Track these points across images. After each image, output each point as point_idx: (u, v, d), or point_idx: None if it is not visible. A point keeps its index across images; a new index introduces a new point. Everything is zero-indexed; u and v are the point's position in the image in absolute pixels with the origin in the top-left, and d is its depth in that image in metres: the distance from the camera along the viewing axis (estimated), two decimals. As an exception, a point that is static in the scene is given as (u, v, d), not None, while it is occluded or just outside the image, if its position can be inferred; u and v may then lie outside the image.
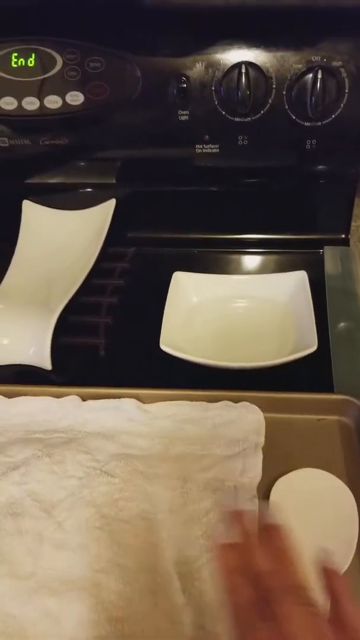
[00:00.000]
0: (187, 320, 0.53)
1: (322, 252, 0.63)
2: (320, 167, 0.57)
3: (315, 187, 0.61)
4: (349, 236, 0.65)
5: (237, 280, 0.56)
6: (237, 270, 0.63)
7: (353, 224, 0.70)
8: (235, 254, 0.65)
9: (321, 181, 0.60)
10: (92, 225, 0.66)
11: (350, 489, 0.40)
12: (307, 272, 0.58)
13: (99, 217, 0.66)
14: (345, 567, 0.36)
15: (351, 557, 0.36)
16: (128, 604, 0.34)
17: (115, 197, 0.65)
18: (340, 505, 0.39)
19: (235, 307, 0.55)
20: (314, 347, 0.46)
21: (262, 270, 0.63)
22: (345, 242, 0.65)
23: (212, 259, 0.65)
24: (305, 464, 0.42)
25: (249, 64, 0.50)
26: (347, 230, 0.65)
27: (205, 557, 0.37)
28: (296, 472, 0.41)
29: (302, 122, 0.53)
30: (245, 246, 0.66)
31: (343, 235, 0.65)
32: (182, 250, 0.66)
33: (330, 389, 0.47)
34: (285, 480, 0.41)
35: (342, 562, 0.36)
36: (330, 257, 0.62)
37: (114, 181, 0.64)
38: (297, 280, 0.53)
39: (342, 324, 0.54)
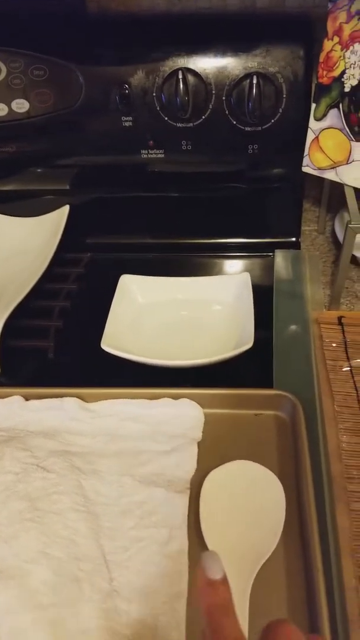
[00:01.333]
0: (133, 322, 0.56)
1: (273, 255, 0.67)
2: (263, 171, 0.61)
3: (263, 192, 0.65)
4: (300, 239, 0.69)
5: (183, 282, 0.59)
6: (189, 274, 0.66)
7: (306, 228, 0.74)
8: (189, 259, 0.68)
9: (268, 186, 0.63)
10: (46, 231, 0.69)
11: (280, 479, 0.43)
12: (258, 275, 0.62)
13: (53, 223, 0.69)
14: (271, 551, 0.39)
15: (276, 541, 0.39)
16: (54, 592, 0.36)
17: (69, 203, 0.69)
18: (269, 494, 0.42)
19: (181, 308, 0.58)
20: (249, 345, 0.49)
21: (214, 274, 0.67)
22: (296, 246, 0.69)
23: (165, 264, 0.68)
24: (242, 456, 0.45)
25: (187, 70, 0.54)
26: (297, 234, 0.69)
27: (135, 547, 0.39)
28: (229, 463, 0.44)
29: (243, 127, 0.57)
30: (198, 250, 0.69)
31: (294, 239, 0.68)
32: (137, 255, 0.70)
33: (271, 386, 0.51)
34: (218, 471, 0.43)
35: (268, 547, 0.39)
36: (281, 260, 0.66)
37: (67, 187, 0.68)
38: (241, 282, 0.56)
39: (286, 325, 0.57)
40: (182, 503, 0.41)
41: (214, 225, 0.69)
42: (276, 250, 0.67)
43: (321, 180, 0.59)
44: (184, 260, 0.69)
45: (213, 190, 0.65)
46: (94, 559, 0.38)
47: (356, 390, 0.49)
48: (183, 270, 0.66)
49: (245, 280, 0.56)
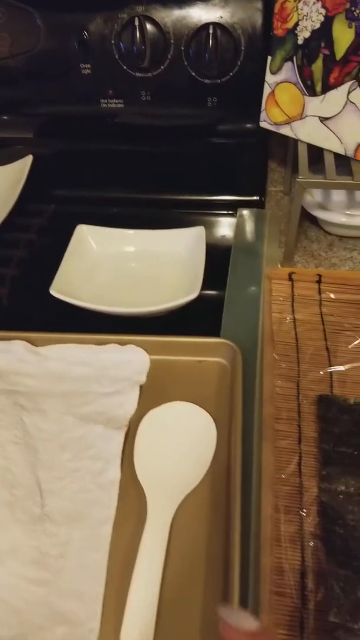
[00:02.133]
0: (86, 271, 0.58)
1: (236, 213, 0.69)
2: (224, 126, 0.63)
3: (227, 148, 0.67)
4: (264, 199, 0.71)
5: (139, 234, 0.61)
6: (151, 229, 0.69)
7: (272, 188, 0.76)
8: (152, 214, 0.70)
9: (231, 142, 0.65)
10: (8, 181, 0.70)
11: (215, 419, 0.46)
12: (219, 232, 0.64)
13: (16, 172, 0.71)
14: (196, 483, 0.42)
15: (204, 473, 0.43)
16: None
17: (33, 154, 0.70)
18: (202, 432, 0.45)
19: (135, 259, 0.60)
20: (194, 295, 0.52)
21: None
22: (260, 205, 0.71)
23: (129, 219, 0.69)
24: (182, 399, 0.48)
25: (145, 18, 0.55)
26: (261, 193, 0.71)
27: (70, 478, 0.42)
28: (167, 404, 0.47)
29: (202, 79, 0.58)
30: (162, 206, 0.71)
31: (257, 198, 0.70)
32: (101, 209, 0.71)
33: (219, 335, 0.54)
34: (156, 411, 0.47)
35: (195, 479, 0.42)
36: (242, 218, 0.68)
37: (30, 136, 0.69)
38: (195, 235, 0.59)
39: (240, 280, 0.60)
40: (118, 438, 0.44)
41: (178, 181, 0.70)
42: (239, 209, 0.70)
43: (287, 139, 0.61)
44: (148, 215, 0.70)
45: (177, 145, 0.67)
46: (28, 487, 0.42)
47: (296, 340, 0.52)
48: (146, 226, 0.68)
49: (199, 234, 0.58)
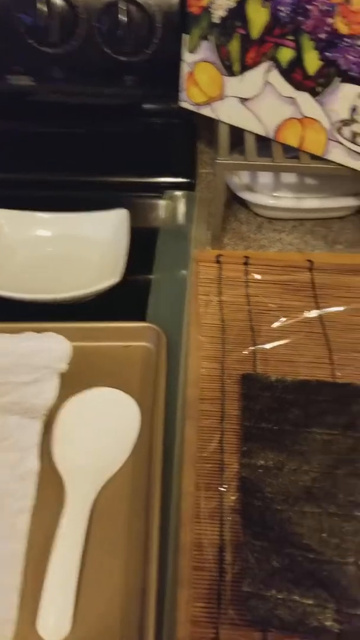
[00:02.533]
0: (3, 257, 0.58)
1: (164, 196, 0.69)
2: (145, 105, 0.63)
3: (152, 129, 0.67)
4: (194, 181, 0.72)
5: (56, 218, 0.61)
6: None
7: (203, 170, 0.77)
8: (78, 197, 0.70)
9: (155, 122, 0.66)
10: None
11: (139, 403, 0.47)
12: (148, 215, 0.64)
13: None
14: (118, 467, 0.43)
15: (126, 457, 0.43)
16: None
17: None
18: (125, 416, 0.46)
19: (53, 244, 0.59)
20: (115, 279, 0.52)
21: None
22: (190, 187, 0.72)
23: (51, 202, 0.68)
24: (107, 385, 0.48)
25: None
26: (191, 175, 0.71)
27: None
28: (89, 390, 0.47)
29: (117, 57, 0.58)
30: (88, 189, 0.70)
31: (187, 180, 0.71)
32: (23, 192, 0.69)
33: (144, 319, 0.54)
34: (77, 397, 0.47)
35: (118, 462, 0.43)
36: (172, 201, 0.69)
37: None
38: (117, 219, 0.59)
39: (167, 263, 0.61)
40: (35, 428, 0.44)
41: (102, 162, 0.70)
42: (168, 191, 0.70)
43: (215, 119, 0.62)
44: (72, 198, 0.69)
45: (99, 125, 0.67)
46: None
47: (222, 321, 0.54)
48: (68, 210, 0.67)
49: (122, 217, 0.58)
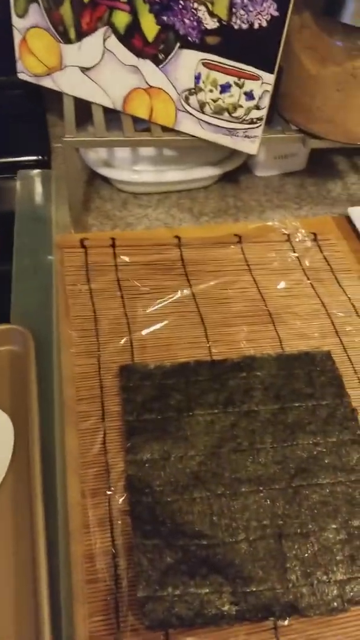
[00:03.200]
0: None
1: (17, 176, 0.64)
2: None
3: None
4: (49, 157, 0.67)
5: None
6: None
7: (57, 145, 0.72)
8: None
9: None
10: None
11: (11, 413, 0.43)
12: (1, 200, 0.58)
13: None
14: (-2, 484, 0.40)
15: (3, 475, 0.40)
16: None
17: None
18: (-3, 432, 0.43)
19: None
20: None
21: None
22: (46, 165, 0.67)
23: None
24: (-27, 399, 0.44)
25: None
26: (45, 152, 0.66)
27: None
28: None
29: None
30: None
31: (41, 157, 0.66)
32: None
33: (7, 320, 0.50)
34: None
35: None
36: (25, 182, 0.63)
37: None
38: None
39: (28, 253, 0.56)
40: None
41: None
42: (20, 171, 0.64)
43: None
44: None
45: None
46: None
47: (94, 311, 0.51)
48: None
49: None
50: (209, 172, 0.62)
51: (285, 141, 0.51)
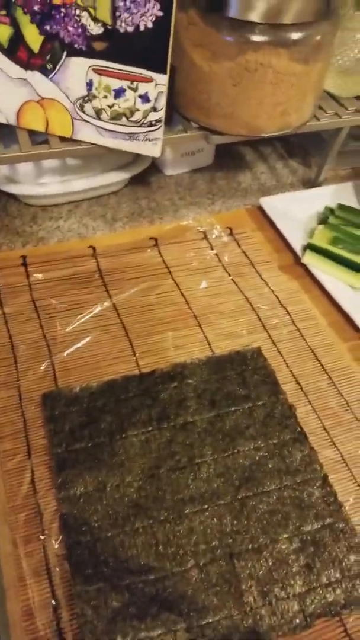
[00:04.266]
0: None
1: None
2: None
3: None
4: None
5: None
6: None
7: None
8: None
9: None
10: None
11: None
12: None
13: None
14: None
15: None
16: None
17: None
18: None
19: None
20: None
21: None
22: None
23: None
24: None
25: None
26: None
27: None
28: None
29: None
30: None
31: None
32: None
33: None
34: None
35: None
36: None
37: None
38: None
39: None
40: None
41: None
42: None
43: None
44: None
45: None
46: None
47: (10, 338, 0.44)
48: None
49: None
50: (116, 177, 0.56)
51: (188, 140, 0.47)
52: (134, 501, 0.36)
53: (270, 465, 0.38)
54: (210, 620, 0.31)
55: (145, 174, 0.63)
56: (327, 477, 0.38)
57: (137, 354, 0.44)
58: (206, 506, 0.36)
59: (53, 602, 0.32)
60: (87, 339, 0.45)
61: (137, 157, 0.57)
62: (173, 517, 0.35)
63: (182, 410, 0.41)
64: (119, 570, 0.33)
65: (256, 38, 0.40)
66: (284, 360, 0.45)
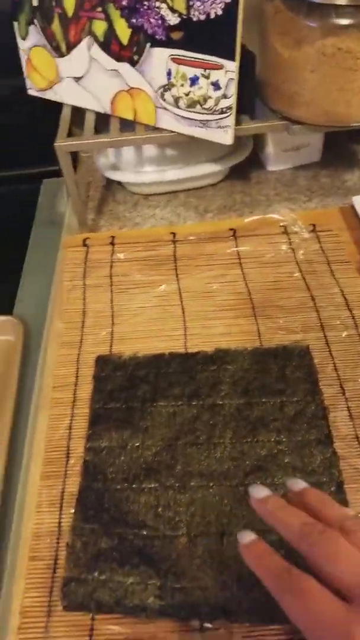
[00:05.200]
0: None
1: (43, 185, 0.65)
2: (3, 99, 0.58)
3: (15, 119, 0.62)
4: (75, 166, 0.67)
5: None
6: None
7: (84, 154, 0.72)
8: None
9: (17, 113, 0.61)
10: None
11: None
12: (22, 206, 0.60)
13: None
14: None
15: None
16: None
17: None
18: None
19: None
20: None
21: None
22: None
23: None
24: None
25: None
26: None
27: None
28: None
29: None
30: None
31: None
32: None
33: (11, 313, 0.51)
34: None
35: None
36: (46, 189, 0.65)
37: None
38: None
39: (38, 252, 0.57)
40: None
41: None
42: (45, 180, 0.66)
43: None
44: None
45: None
46: None
47: (84, 305, 0.50)
48: None
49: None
50: (211, 168, 0.58)
51: (267, 130, 0.47)
52: (148, 464, 0.38)
53: (286, 460, 0.37)
54: (184, 586, 0.33)
55: (247, 169, 0.64)
56: (342, 483, 0.36)
57: (187, 335, 0.46)
58: (212, 484, 0.37)
59: (57, 531, 0.36)
60: (147, 315, 0.48)
61: (234, 151, 0.59)
62: (178, 485, 0.37)
63: (214, 392, 0.42)
64: (117, 519, 0.36)
65: (340, 22, 0.39)
66: (333, 363, 0.43)
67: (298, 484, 0.29)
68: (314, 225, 0.53)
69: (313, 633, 0.23)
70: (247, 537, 0.28)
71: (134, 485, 0.37)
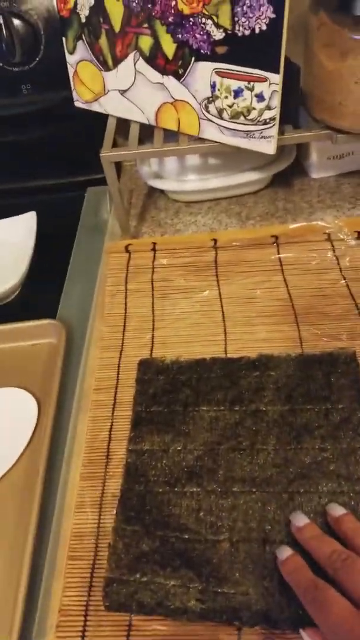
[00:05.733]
0: None
1: (86, 192, 0.67)
2: (49, 111, 0.60)
3: (63, 131, 0.64)
4: (119, 175, 0.69)
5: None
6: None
7: (127, 163, 0.74)
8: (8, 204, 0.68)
9: (63, 124, 0.63)
10: None
11: (40, 399, 0.45)
12: (67, 212, 0.62)
13: None
14: (12, 462, 0.41)
15: (19, 453, 0.42)
16: None
17: None
18: (20, 413, 0.44)
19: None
20: (14, 282, 0.50)
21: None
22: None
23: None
24: (13, 384, 0.47)
25: None
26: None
27: None
28: (-11, 392, 0.46)
29: (10, 68, 0.56)
30: (12, 196, 0.69)
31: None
32: None
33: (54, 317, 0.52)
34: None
35: (10, 460, 0.41)
36: (90, 196, 0.66)
37: None
38: (26, 221, 0.57)
39: (82, 258, 0.58)
40: None
41: (26, 168, 0.69)
42: (89, 188, 0.68)
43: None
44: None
45: (18, 134, 0.65)
46: None
47: (125, 309, 0.51)
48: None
49: (29, 219, 0.57)
50: (252, 176, 0.58)
51: (310, 139, 0.47)
52: (190, 467, 0.38)
53: (331, 468, 0.36)
54: (225, 591, 0.32)
55: (291, 177, 0.64)
56: (389, 493, 0.35)
57: (227, 340, 0.46)
58: (254, 489, 0.36)
59: (98, 531, 0.36)
60: (188, 320, 0.48)
61: (275, 160, 0.59)
62: (221, 490, 0.37)
63: (257, 398, 0.41)
64: (158, 522, 0.36)
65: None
66: (380, 370, 0.42)
67: (336, 511, 0.34)
68: (359, 232, 0.53)
69: (334, 637, 0.28)
70: (284, 553, 0.33)
71: (175, 489, 0.37)
